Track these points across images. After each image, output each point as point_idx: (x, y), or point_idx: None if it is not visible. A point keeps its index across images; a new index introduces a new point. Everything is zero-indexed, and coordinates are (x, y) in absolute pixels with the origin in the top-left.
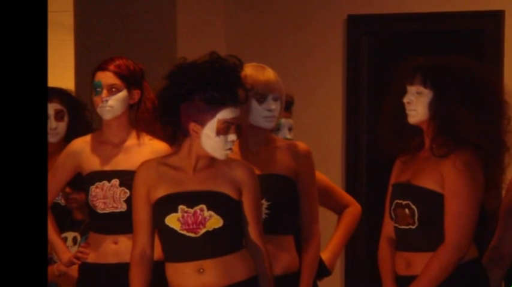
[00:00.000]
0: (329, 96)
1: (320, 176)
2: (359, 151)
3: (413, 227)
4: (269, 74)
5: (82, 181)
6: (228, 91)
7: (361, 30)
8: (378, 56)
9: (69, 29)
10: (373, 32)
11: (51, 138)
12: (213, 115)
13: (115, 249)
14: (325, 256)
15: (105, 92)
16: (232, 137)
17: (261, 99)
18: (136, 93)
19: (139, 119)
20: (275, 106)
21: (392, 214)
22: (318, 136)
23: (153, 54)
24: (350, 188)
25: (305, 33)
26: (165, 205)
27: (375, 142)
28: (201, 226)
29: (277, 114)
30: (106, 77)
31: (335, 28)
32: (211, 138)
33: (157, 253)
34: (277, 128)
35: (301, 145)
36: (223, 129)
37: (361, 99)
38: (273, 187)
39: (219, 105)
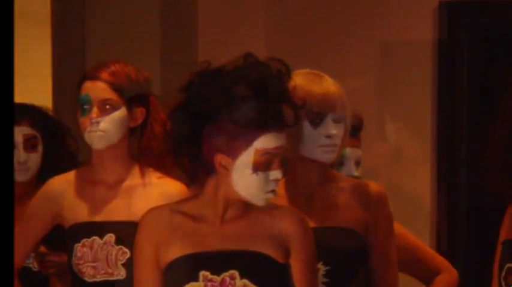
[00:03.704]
0: (414, 115)
1: (400, 230)
2: (456, 195)
3: None
4: (328, 85)
5: (63, 236)
6: (270, 110)
7: (459, 22)
8: (483, 59)
9: (44, 22)
10: (476, 25)
11: (20, 176)
12: (249, 143)
13: None
14: None
15: (95, 110)
16: (275, 174)
17: (317, 120)
18: (140, 113)
19: (144, 148)
20: (336, 131)
21: (503, 283)
22: None
23: (164, 57)
24: (443, 246)
25: (379, 27)
26: (181, 270)
27: (478, 182)
28: None
29: (340, 142)
30: (97, 90)
31: (422, 20)
32: (246, 176)
33: None
34: (339, 162)
35: (374, 186)
36: (263, 164)
37: (459, 121)
38: (334, 245)
39: (257, 129)
